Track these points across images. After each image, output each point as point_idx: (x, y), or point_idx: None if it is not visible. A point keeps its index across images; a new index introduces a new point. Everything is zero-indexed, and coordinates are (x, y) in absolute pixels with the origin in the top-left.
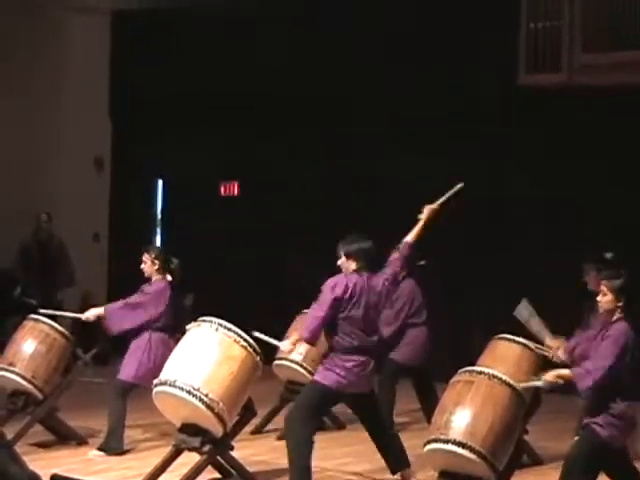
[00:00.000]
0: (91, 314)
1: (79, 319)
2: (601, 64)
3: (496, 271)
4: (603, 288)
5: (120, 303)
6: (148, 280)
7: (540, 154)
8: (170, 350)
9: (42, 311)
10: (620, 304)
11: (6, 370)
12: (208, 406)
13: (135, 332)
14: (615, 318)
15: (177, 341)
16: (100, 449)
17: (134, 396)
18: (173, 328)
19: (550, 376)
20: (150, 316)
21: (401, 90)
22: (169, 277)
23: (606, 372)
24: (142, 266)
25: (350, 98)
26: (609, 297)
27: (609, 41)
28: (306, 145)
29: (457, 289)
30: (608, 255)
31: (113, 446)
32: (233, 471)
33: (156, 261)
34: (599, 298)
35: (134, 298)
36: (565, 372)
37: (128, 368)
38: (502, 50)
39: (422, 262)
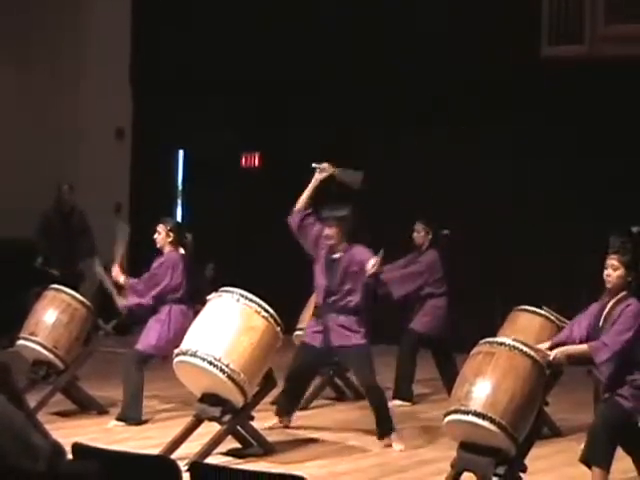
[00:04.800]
0: (120, 278)
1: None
2: (623, 35)
3: (519, 243)
4: (614, 262)
5: (137, 281)
6: (160, 251)
7: (562, 126)
8: (189, 321)
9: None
10: (630, 279)
11: (28, 340)
12: (229, 376)
13: (156, 303)
14: (624, 294)
15: (197, 312)
16: (119, 419)
17: (153, 366)
18: (191, 299)
19: (560, 354)
20: (165, 286)
21: (417, 62)
22: (182, 250)
23: (624, 345)
24: (155, 236)
25: (369, 70)
26: (620, 272)
27: (631, 12)
28: (328, 117)
29: (479, 260)
30: (635, 229)
31: (131, 416)
32: (253, 441)
33: (171, 233)
34: (608, 272)
35: (149, 275)
36: (576, 348)
37: (147, 338)
38: (524, 21)
39: (445, 231)
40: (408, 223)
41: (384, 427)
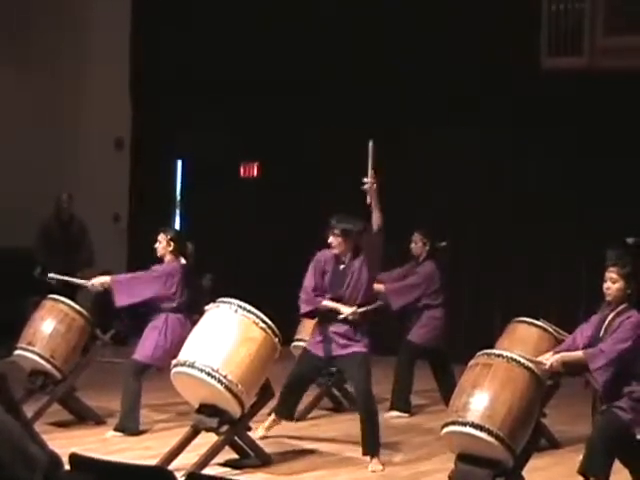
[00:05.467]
0: (97, 281)
1: (84, 290)
2: (623, 47)
3: (516, 254)
4: (613, 275)
5: (128, 276)
6: (160, 260)
7: (562, 136)
8: (186, 331)
9: (50, 275)
10: (630, 291)
11: (25, 349)
12: (227, 387)
13: (152, 313)
14: (625, 306)
15: (195, 322)
16: (116, 430)
17: (151, 377)
18: (189, 309)
19: (556, 361)
20: (155, 294)
21: (416, 71)
22: (182, 260)
23: (620, 354)
24: (156, 245)
25: (370, 76)
26: (620, 284)
27: (631, 24)
28: (327, 126)
29: (476, 272)
30: (629, 240)
31: (129, 426)
32: (251, 452)
33: (171, 242)
34: (607, 285)
35: (142, 274)
36: (572, 354)
37: (144, 349)
38: (524, 32)
39: (443, 243)
40: (408, 223)
41: (370, 443)
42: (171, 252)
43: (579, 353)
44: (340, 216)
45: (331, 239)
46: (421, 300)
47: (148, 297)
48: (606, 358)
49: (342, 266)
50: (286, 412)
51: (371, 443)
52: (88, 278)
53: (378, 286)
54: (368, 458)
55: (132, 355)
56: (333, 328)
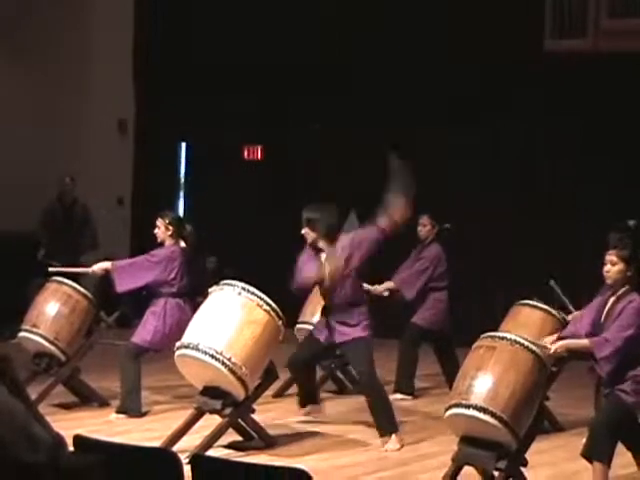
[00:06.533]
0: (98, 267)
1: (86, 273)
2: (627, 30)
3: (521, 237)
4: (612, 258)
5: (128, 261)
6: (161, 245)
7: (566, 121)
8: (186, 315)
9: (51, 269)
10: (630, 274)
11: (29, 331)
12: (231, 370)
13: (152, 297)
14: (626, 289)
15: (198, 305)
16: (119, 412)
17: (150, 359)
18: (189, 293)
19: (560, 348)
20: (154, 278)
21: (425, 57)
22: (182, 243)
23: (626, 342)
24: (155, 231)
25: (374, 65)
26: (619, 266)
27: (635, 6)
28: (330, 110)
29: (480, 254)
30: (631, 222)
31: (131, 407)
32: (254, 434)
33: (170, 227)
34: (607, 268)
35: (141, 259)
36: (577, 342)
37: (143, 332)
38: (528, 15)
39: (447, 225)
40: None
41: (382, 424)
42: (170, 236)
43: (585, 341)
44: (310, 206)
45: (303, 230)
46: (427, 283)
47: (149, 281)
48: (612, 346)
49: (322, 255)
50: (311, 399)
51: (386, 422)
52: (90, 265)
53: (387, 283)
54: (386, 438)
55: (131, 338)
56: (332, 317)
